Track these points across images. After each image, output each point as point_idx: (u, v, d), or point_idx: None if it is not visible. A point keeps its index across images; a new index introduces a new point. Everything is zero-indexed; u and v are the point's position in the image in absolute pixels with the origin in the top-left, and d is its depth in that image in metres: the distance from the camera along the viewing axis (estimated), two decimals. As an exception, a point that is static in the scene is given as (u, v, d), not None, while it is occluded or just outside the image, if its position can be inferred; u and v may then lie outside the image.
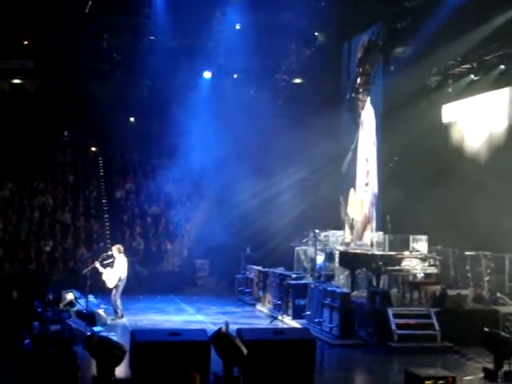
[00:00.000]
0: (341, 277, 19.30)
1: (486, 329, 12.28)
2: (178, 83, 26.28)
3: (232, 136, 24.37)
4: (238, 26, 23.55)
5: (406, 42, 20.70)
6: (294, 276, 19.38)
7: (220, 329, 11.08)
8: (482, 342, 12.37)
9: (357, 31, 22.32)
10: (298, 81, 26.49)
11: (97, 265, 17.74)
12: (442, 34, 19.08)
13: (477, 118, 20.63)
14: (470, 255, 17.70)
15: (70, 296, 17.13)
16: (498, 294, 16.63)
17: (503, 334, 12.30)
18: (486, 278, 17.01)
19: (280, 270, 20.47)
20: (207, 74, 25.94)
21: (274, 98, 25.90)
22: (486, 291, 16.78)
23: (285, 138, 24.25)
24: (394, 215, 18.20)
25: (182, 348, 11.47)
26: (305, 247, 20.99)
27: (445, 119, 21.87)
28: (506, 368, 11.73)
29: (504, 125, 19.42)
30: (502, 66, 19.54)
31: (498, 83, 19.86)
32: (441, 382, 10.14)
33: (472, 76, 20.65)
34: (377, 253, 17.32)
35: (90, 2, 21.50)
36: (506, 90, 19.55)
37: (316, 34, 23.25)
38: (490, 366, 12.02)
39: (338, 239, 20.50)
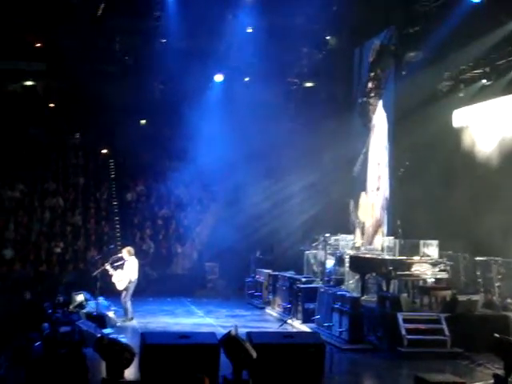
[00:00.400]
0: (351, 281, 19.27)
1: (496, 335, 12.21)
2: (189, 86, 26.28)
3: (243, 139, 24.37)
4: (249, 29, 23.54)
5: (418, 47, 20.62)
6: (303, 280, 19.38)
7: (229, 332, 11.07)
8: (491, 347, 12.28)
9: (369, 35, 22.30)
10: (309, 84, 26.44)
11: (107, 267, 17.80)
12: (454, 38, 19.02)
13: (489, 123, 20.56)
14: (481, 261, 17.63)
15: (80, 298, 17.19)
16: (509, 300, 16.57)
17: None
18: (497, 284, 16.92)
19: (290, 274, 20.48)
20: (218, 77, 25.94)
21: (285, 102, 25.90)
22: (497, 297, 16.71)
23: (296, 142, 24.26)
24: (405, 220, 18.18)
25: (192, 351, 11.50)
26: (315, 251, 20.97)
27: (456, 124, 21.78)
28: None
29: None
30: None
31: (510, 88, 19.80)
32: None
33: (484, 81, 20.56)
34: (387, 257, 17.30)
35: (102, 5, 21.53)
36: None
37: (328, 37, 23.21)
38: (500, 372, 11.95)
39: (349, 243, 20.49)
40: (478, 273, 17.56)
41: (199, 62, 24.52)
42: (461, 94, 21.41)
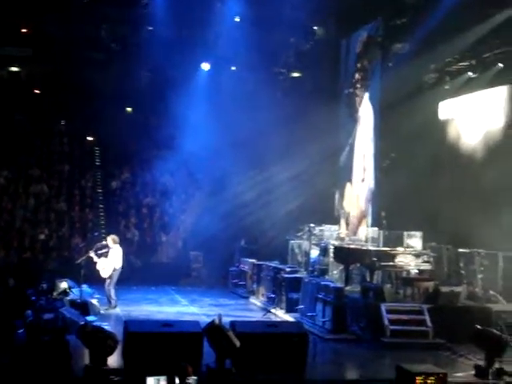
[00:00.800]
0: (335, 271, 19.32)
1: (477, 326, 12.33)
2: (176, 74, 26.21)
3: (229, 128, 24.38)
4: (237, 18, 23.49)
5: (405, 39, 20.68)
6: (288, 270, 19.44)
7: (213, 321, 11.13)
8: (473, 339, 12.44)
9: (356, 26, 22.29)
10: (296, 74, 26.44)
11: (91, 254, 17.78)
12: (441, 30, 19.09)
13: (474, 116, 20.67)
14: (464, 252, 17.75)
15: (63, 285, 17.15)
16: (491, 292, 16.69)
17: (494, 331, 12.34)
18: (479, 276, 17.05)
19: (274, 264, 20.52)
20: (206, 66, 25.88)
21: (272, 91, 25.85)
22: (479, 289, 16.83)
23: (282, 131, 24.25)
24: (390, 211, 18.25)
25: (175, 339, 11.55)
26: (299, 241, 21.01)
27: (442, 116, 21.89)
28: (496, 365, 11.80)
29: (501, 123, 19.47)
30: (501, 64, 19.58)
31: (496, 81, 19.91)
32: (432, 378, 10.19)
33: (470, 73, 20.68)
34: (371, 248, 17.39)
35: (89, -8, 21.45)
36: (503, 88, 19.59)
37: (315, 28, 23.20)
38: (482, 363, 12.08)
39: (333, 234, 20.52)
40: (461, 264, 17.68)
41: (186, 51, 24.44)
42: (447, 87, 21.52)
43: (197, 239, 25.57)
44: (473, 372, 12.08)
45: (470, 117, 20.80)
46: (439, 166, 20.75)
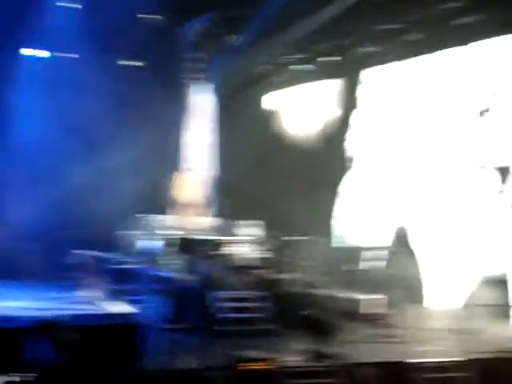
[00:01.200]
0: (171, 261, 19.36)
1: (303, 312, 12.88)
2: (7, 60, 25.37)
3: (62, 116, 23.89)
4: (76, 5, 23.11)
5: (240, 30, 21.02)
6: (123, 260, 19.34)
7: (48, 315, 11.00)
8: (301, 324, 12.97)
9: (193, 16, 22.45)
10: (135, 64, 26.24)
11: None
12: (275, 21, 19.48)
13: (306, 107, 21.38)
14: (295, 240, 18.36)
15: None
16: (317, 278, 17.38)
17: (319, 316, 12.89)
18: (308, 263, 17.70)
19: (108, 255, 20.33)
20: (42, 52, 25.23)
21: (106, 79, 25.50)
22: (308, 275, 17.45)
23: (117, 120, 24.02)
24: (228, 200, 18.61)
25: (7, 335, 11.30)
26: (135, 231, 20.93)
27: (275, 106, 22.48)
28: (324, 349, 12.34)
29: (331, 116, 20.25)
30: (334, 57, 20.27)
31: (328, 73, 20.63)
32: (260, 363, 10.51)
33: (303, 65, 21.32)
34: (207, 237, 17.64)
35: None
36: (335, 81, 20.36)
37: (154, 16, 23.17)
38: (310, 347, 12.59)
39: (169, 223, 20.60)
40: (292, 252, 18.28)
41: (19, 35, 23.77)
42: (279, 78, 22.10)
43: (29, 231, 24.83)
44: (302, 357, 12.57)
45: (303, 107, 21.51)
46: (272, 155, 21.30)
